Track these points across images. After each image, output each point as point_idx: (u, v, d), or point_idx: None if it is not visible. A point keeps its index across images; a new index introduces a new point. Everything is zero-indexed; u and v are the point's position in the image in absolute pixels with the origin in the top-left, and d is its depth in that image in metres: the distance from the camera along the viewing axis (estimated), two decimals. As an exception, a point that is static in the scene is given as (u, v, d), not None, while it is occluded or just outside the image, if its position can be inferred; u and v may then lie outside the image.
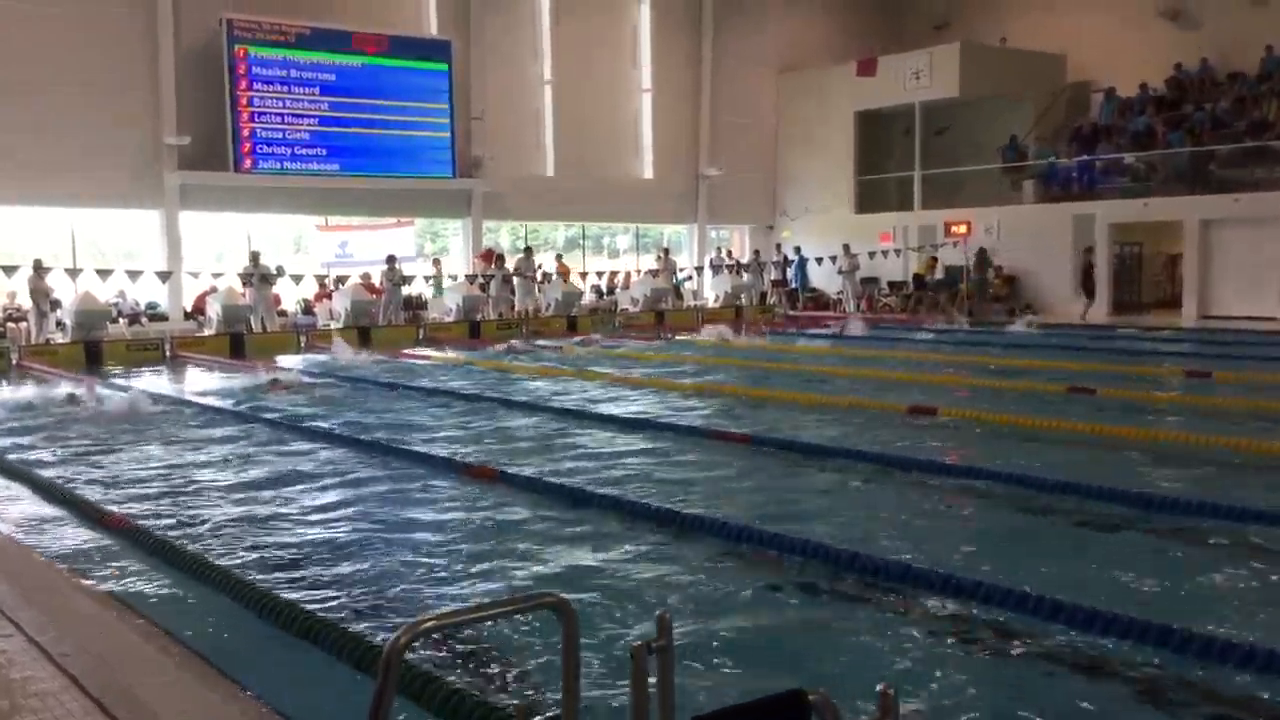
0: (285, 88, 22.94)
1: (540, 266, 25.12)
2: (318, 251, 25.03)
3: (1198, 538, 6.39)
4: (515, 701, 4.17)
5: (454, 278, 23.92)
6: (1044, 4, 28.96)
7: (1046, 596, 5.01)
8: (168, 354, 18.62)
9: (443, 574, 5.95)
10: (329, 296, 22.39)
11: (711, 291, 29.08)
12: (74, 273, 19.60)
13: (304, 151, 23.26)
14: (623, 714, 3.50)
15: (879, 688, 2.25)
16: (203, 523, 7.09)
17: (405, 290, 22.99)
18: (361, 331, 20.58)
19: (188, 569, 5.90)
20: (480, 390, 13.55)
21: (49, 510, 7.53)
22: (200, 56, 22.16)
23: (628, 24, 28.76)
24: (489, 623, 4.78)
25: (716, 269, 28.40)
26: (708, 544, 6.33)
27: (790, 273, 29.21)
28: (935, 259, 26.65)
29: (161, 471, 8.83)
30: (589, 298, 26.29)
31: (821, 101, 29.72)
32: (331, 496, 7.83)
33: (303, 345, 19.63)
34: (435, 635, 4.41)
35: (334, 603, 5.41)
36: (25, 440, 10.46)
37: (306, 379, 15.23)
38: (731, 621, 5.04)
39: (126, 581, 5.86)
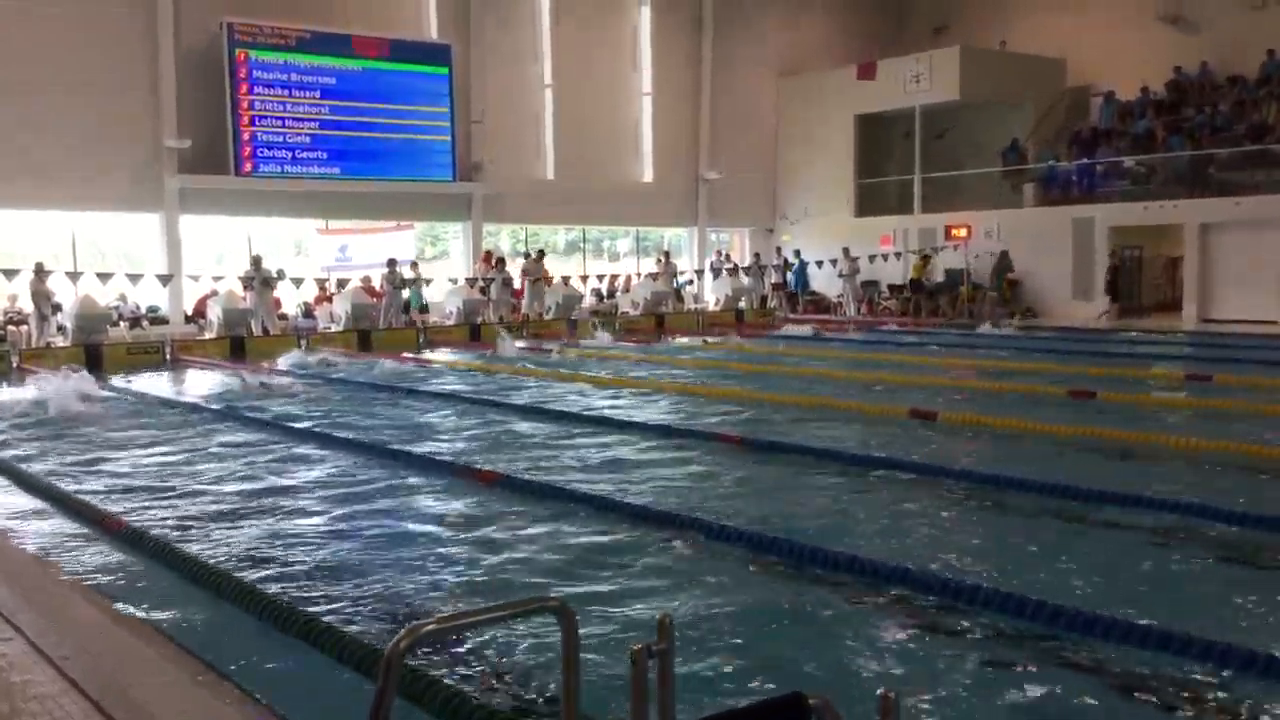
0: (286, 91, 22.97)
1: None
2: (318, 255, 25.02)
3: (1197, 538, 6.39)
4: (515, 705, 4.17)
5: (453, 281, 23.92)
6: (1044, 7, 28.97)
7: (1047, 601, 5.02)
8: (168, 357, 18.62)
9: (443, 577, 5.96)
10: (329, 299, 22.40)
11: (712, 294, 29.08)
12: (75, 276, 19.60)
13: (304, 155, 23.29)
14: (623, 717, 3.49)
15: (880, 692, 2.26)
16: (203, 525, 7.10)
17: (405, 294, 22.99)
18: (362, 334, 20.61)
19: (188, 572, 5.90)
20: (480, 393, 13.56)
21: (48, 513, 7.53)
22: (201, 59, 22.19)
23: (628, 27, 28.78)
24: (489, 626, 4.77)
25: (717, 272, 28.40)
26: (709, 547, 6.33)
27: (790, 276, 29.23)
28: (927, 259, 26.61)
29: (162, 474, 8.84)
30: (589, 301, 26.30)
31: (821, 104, 29.73)
32: (332, 498, 7.83)
33: (303, 348, 19.62)
34: (436, 638, 4.40)
35: (334, 605, 5.41)
36: (25, 441, 10.46)
37: (305, 382, 15.23)
38: (732, 625, 5.04)
39: (126, 584, 5.86)
